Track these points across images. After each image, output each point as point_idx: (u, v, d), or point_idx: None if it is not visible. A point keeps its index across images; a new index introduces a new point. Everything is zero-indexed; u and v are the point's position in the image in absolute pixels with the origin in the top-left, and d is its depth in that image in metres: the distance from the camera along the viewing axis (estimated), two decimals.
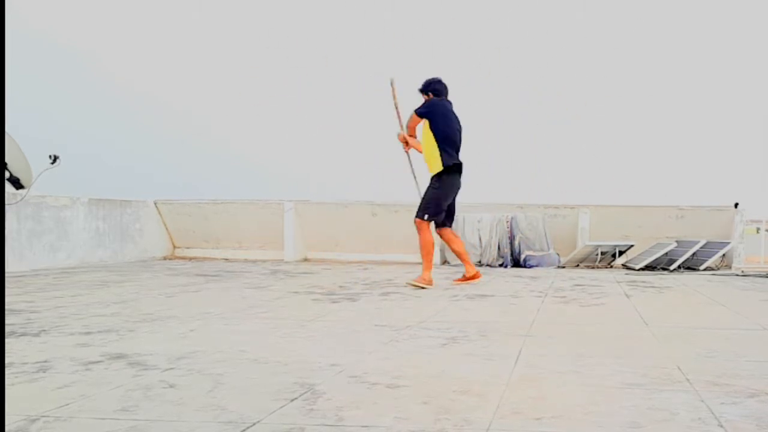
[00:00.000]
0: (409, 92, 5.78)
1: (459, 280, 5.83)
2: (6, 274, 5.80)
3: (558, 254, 8.37)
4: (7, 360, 2.46)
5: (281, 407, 1.93)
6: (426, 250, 5.48)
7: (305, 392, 2.08)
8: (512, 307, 4.29)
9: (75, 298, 4.52)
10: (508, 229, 8.07)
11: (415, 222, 5.55)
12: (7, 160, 5.89)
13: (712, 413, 1.91)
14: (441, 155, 5.51)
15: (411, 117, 5.69)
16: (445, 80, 5.73)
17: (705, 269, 7.56)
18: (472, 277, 5.78)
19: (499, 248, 8.09)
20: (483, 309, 4.17)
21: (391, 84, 5.80)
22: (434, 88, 5.68)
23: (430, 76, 5.73)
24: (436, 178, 5.56)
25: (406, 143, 5.81)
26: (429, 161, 5.58)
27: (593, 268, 7.99)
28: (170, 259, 9.07)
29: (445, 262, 8.57)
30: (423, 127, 5.63)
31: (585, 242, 8.33)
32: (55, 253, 7.34)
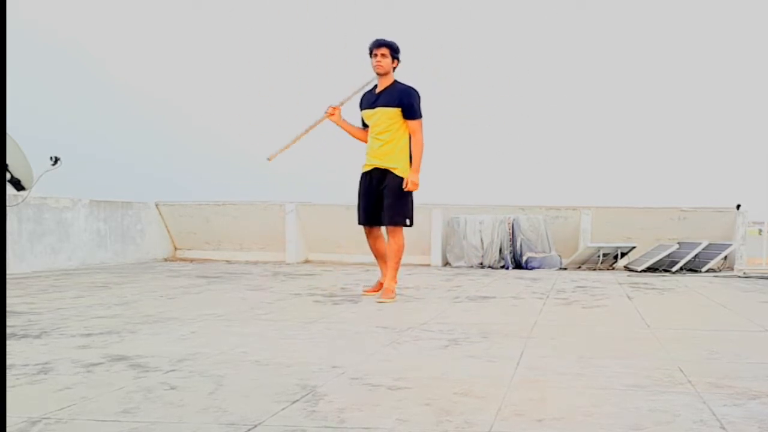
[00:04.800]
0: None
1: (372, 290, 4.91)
2: (7, 276, 5.81)
3: (560, 256, 8.36)
4: (8, 362, 2.46)
5: (283, 409, 1.92)
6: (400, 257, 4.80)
7: (307, 394, 2.08)
8: (514, 308, 4.29)
9: (76, 299, 4.52)
10: (510, 231, 8.07)
11: (396, 230, 4.75)
12: (8, 161, 5.90)
13: (714, 415, 1.90)
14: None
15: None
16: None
17: (707, 271, 7.55)
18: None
19: (500, 250, 8.08)
20: (485, 311, 4.16)
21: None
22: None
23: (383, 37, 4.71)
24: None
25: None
26: (404, 160, 4.73)
27: (595, 269, 7.98)
28: (171, 260, 9.06)
29: (446, 263, 8.56)
30: (396, 115, 4.69)
31: (587, 244, 8.32)
32: (56, 254, 7.34)
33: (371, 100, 4.80)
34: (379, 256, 4.95)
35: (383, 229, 4.90)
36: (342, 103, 4.92)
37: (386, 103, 4.70)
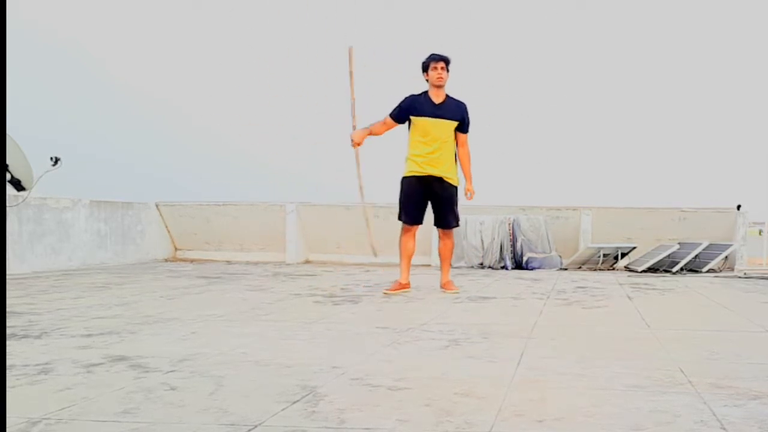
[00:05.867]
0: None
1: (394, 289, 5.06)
2: (7, 276, 5.81)
3: (560, 256, 8.35)
4: (8, 362, 2.46)
5: (283, 409, 1.92)
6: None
7: (307, 394, 2.08)
8: (514, 309, 4.29)
9: (76, 300, 4.52)
10: (510, 231, 8.06)
11: (451, 232, 5.21)
12: (8, 161, 5.90)
13: (715, 416, 1.90)
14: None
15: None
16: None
17: (707, 271, 7.54)
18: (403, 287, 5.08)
19: (501, 250, 8.08)
20: (485, 311, 4.16)
21: (350, 53, 5.09)
22: None
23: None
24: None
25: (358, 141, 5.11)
26: (455, 169, 5.09)
27: (596, 270, 7.97)
28: (172, 261, 9.07)
29: None
30: (449, 128, 5.02)
31: (587, 244, 8.32)
32: (56, 255, 7.34)
33: (431, 109, 5.02)
34: (405, 255, 5.13)
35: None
36: (354, 126, 5.14)
37: (451, 116, 5.02)
